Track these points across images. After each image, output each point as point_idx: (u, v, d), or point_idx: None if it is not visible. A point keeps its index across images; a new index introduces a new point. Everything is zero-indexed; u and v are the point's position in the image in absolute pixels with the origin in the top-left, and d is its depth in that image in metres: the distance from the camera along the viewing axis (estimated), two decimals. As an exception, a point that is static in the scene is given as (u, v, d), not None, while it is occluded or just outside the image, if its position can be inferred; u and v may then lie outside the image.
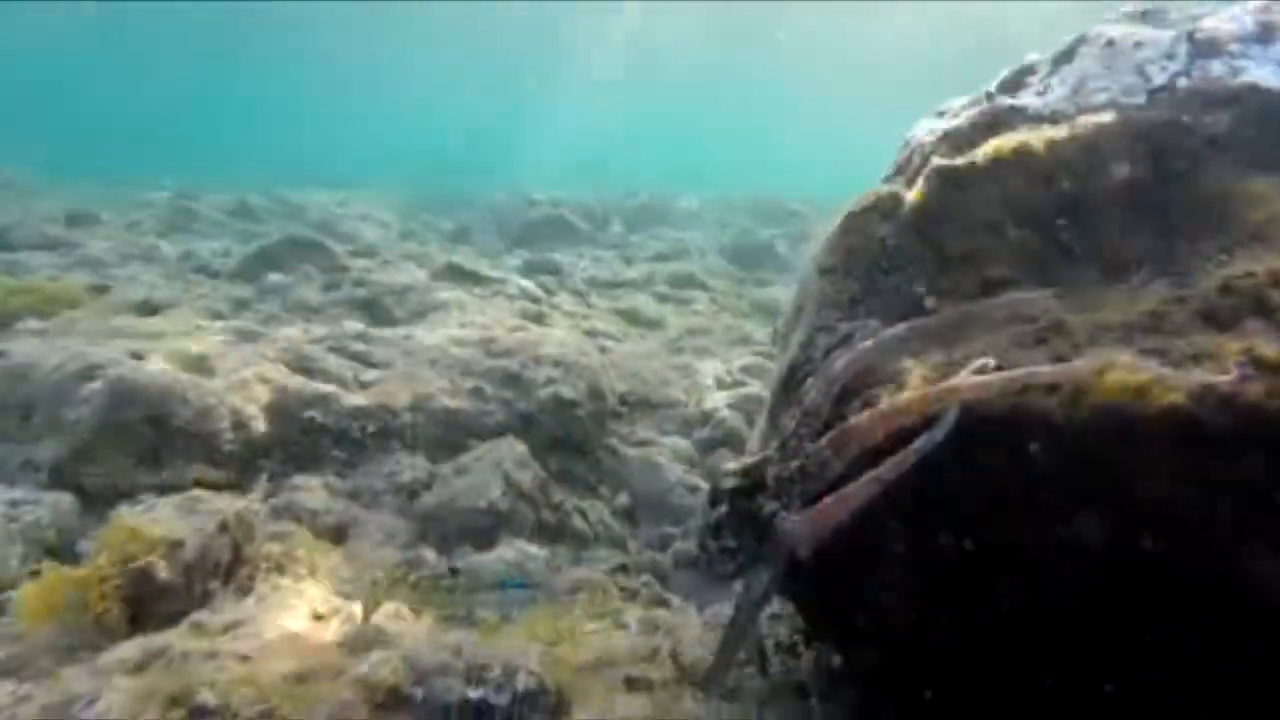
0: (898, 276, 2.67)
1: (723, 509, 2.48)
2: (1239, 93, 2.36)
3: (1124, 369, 1.89)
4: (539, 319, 8.40)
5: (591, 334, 8.71)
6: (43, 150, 22.19)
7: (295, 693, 2.62)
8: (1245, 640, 1.75)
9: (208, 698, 2.53)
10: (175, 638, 2.96)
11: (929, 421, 2.01)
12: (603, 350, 7.63)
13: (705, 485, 6.05)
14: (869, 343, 2.33)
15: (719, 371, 8.03)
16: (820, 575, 2.38)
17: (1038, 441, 1.96)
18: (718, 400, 7.21)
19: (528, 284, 10.33)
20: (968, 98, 3.14)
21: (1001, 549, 2.05)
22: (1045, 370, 2.02)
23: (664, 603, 4.69)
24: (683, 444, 6.59)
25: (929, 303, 2.52)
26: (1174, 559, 1.84)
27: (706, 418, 6.90)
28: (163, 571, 3.23)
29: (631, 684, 3.10)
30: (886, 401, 2.17)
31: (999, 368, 2.06)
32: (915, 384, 2.21)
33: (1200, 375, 1.80)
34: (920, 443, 1.97)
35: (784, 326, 3.29)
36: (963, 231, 2.57)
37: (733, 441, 6.74)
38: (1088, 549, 1.95)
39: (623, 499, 5.68)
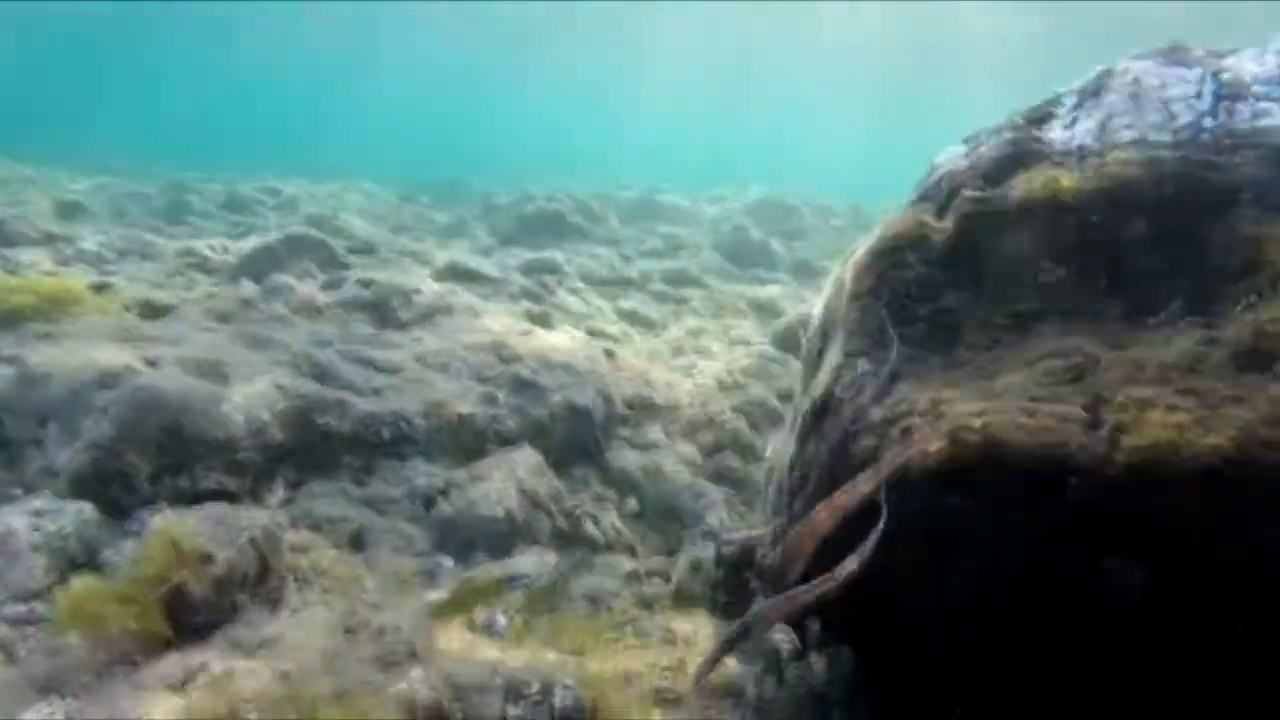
0: (927, 306, 2.74)
1: (721, 573, 3.09)
2: (1262, 136, 2.44)
3: (1163, 410, 1.97)
4: (542, 319, 8.44)
5: (594, 334, 8.76)
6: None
7: (336, 712, 2.68)
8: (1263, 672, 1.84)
9: (252, 717, 2.58)
10: (213, 654, 3.00)
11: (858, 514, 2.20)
12: (608, 354, 7.68)
13: (709, 489, 6.13)
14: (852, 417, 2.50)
15: (720, 374, 8.10)
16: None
17: (1076, 478, 2.04)
18: (721, 404, 7.28)
19: (529, 283, 10.35)
20: (994, 126, 3.20)
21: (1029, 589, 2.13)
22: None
23: (678, 610, 4.78)
24: (687, 449, 6.67)
25: (961, 336, 2.59)
26: (1209, 601, 1.93)
27: (710, 420, 6.98)
28: (196, 586, 3.26)
29: (660, 696, 3.18)
30: (818, 514, 2.31)
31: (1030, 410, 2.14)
32: (953, 416, 2.28)
33: (1240, 417, 1.88)
34: (852, 561, 2.12)
35: (812, 342, 3.36)
36: (994, 266, 2.64)
37: (735, 444, 6.82)
38: (1124, 587, 2.03)
39: (631, 504, 5.75)
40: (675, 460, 6.34)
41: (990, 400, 2.26)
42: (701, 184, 24.29)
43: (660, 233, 18.77)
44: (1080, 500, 2.03)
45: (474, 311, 7.62)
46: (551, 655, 3.27)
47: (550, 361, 6.19)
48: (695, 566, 5.31)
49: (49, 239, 9.84)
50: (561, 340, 6.79)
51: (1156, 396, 2.04)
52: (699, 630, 4.44)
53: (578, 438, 5.89)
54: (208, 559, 3.39)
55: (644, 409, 6.98)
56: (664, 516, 5.86)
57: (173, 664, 2.93)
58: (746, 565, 2.94)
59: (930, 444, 2.25)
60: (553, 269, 11.69)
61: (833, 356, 2.94)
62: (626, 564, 5.20)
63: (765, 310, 11.83)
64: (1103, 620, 2.08)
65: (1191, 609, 1.94)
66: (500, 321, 7.03)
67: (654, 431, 6.76)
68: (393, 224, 16.69)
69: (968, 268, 2.68)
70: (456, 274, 9.56)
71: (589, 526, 5.25)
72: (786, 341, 9.52)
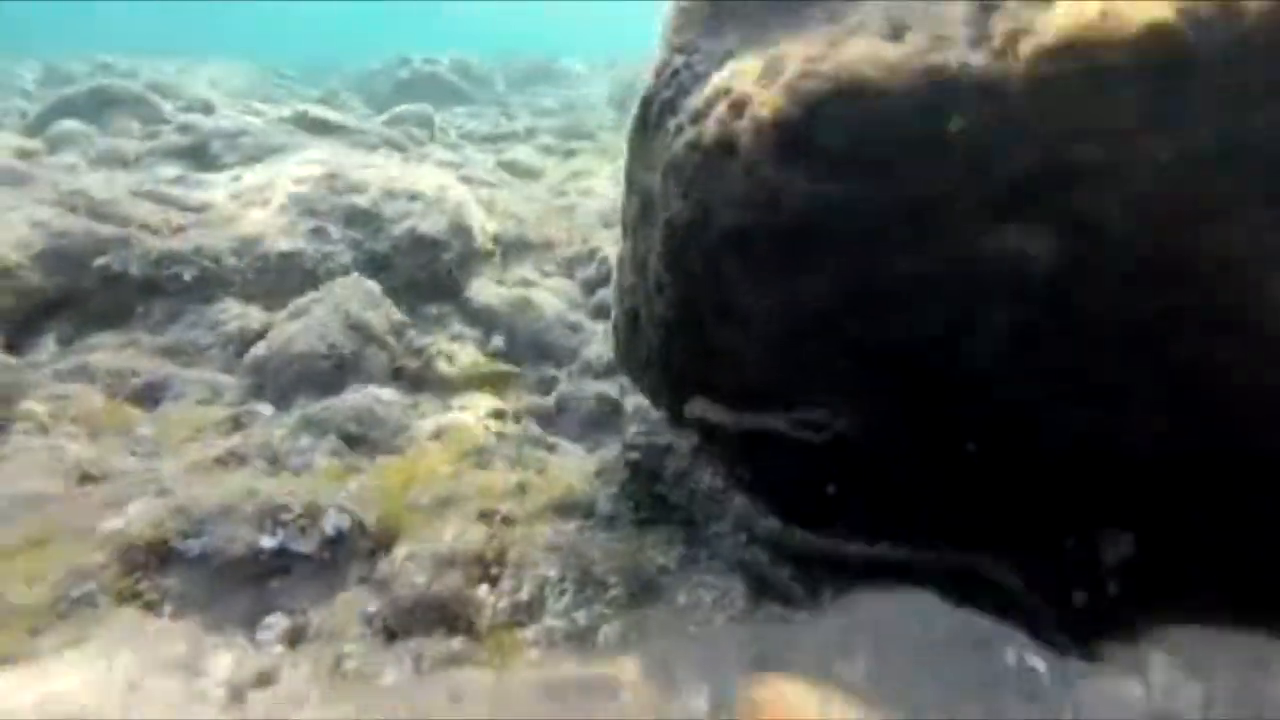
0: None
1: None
2: None
3: (1074, -8, 1.35)
4: (399, 163, 7.48)
5: (466, 181, 7.85)
6: None
7: (20, 564, 2.00)
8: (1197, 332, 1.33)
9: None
10: None
11: None
12: (479, 199, 6.83)
13: (588, 323, 5.52)
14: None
15: (604, 209, 7.37)
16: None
17: (961, 111, 1.43)
18: (603, 238, 6.59)
19: (394, 134, 9.27)
20: None
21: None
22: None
23: (547, 446, 4.22)
24: (565, 284, 6.01)
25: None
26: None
27: (591, 255, 6.30)
28: None
29: (484, 517, 2.60)
30: None
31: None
32: (801, 61, 1.63)
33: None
34: None
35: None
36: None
37: (621, 280, 6.19)
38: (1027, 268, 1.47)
39: (497, 341, 5.09)
40: (550, 295, 5.67)
41: (843, 36, 1.62)
42: (606, 50, 22.69)
43: (554, 95, 17.54)
44: (968, 142, 1.43)
45: (315, 151, 6.60)
46: (353, 484, 2.64)
47: (393, 191, 5.34)
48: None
49: None
50: (409, 170, 5.91)
51: (1066, -18, 1.42)
52: (562, 460, 3.91)
53: (429, 273, 5.14)
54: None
55: (516, 245, 6.24)
56: (536, 353, 5.24)
57: None
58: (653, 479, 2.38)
59: (762, 106, 1.62)
60: (424, 122, 10.55)
61: (655, 61, 2.25)
62: (488, 402, 4.60)
63: (661, 157, 11.02)
64: (1001, 320, 1.53)
65: (1118, 274, 1.40)
66: (341, 157, 6.07)
67: (526, 268, 6.06)
68: (250, 96, 14.97)
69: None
70: (303, 124, 8.41)
71: (442, 365, 4.59)
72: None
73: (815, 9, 1.86)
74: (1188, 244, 1.28)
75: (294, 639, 1.93)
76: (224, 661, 1.61)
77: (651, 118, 2.11)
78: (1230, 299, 1.27)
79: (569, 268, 6.27)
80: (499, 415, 4.47)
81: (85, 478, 2.59)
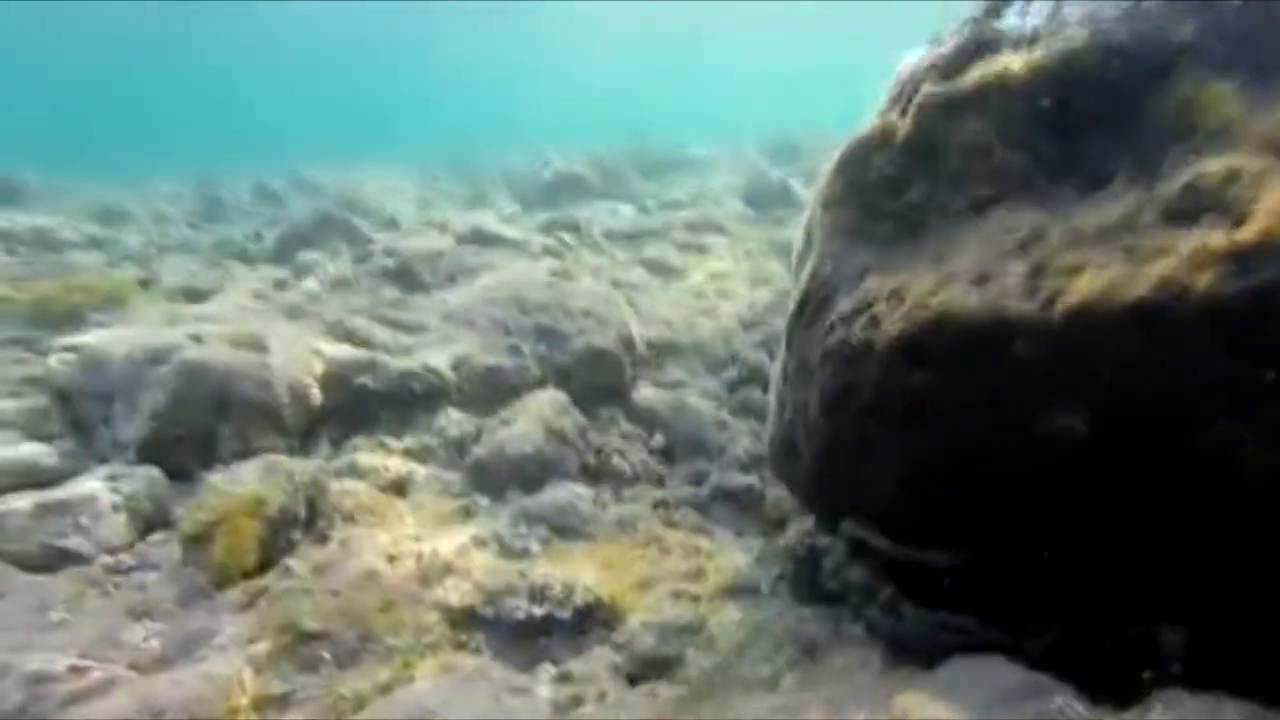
0: (894, 203, 2.88)
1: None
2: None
3: (1095, 269, 2.11)
4: (564, 275, 8.64)
5: (616, 285, 8.96)
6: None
7: (382, 618, 2.98)
8: (1194, 496, 2.00)
9: (311, 625, 2.89)
10: (271, 580, 3.33)
11: None
12: (629, 301, 7.88)
13: (733, 421, 6.34)
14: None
15: (742, 311, 8.25)
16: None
17: (1020, 338, 2.19)
18: (743, 339, 7.45)
19: (549, 241, 10.57)
20: (957, 25, 3.28)
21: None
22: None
23: (704, 531, 5.02)
24: (711, 384, 6.87)
25: (926, 226, 2.73)
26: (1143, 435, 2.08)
27: (733, 357, 7.16)
28: (254, 528, 3.60)
29: (678, 596, 3.43)
30: None
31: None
32: (911, 298, 2.44)
33: (1161, 268, 2.02)
34: None
35: (796, 258, 3.51)
36: (953, 155, 2.77)
37: (758, 378, 7.00)
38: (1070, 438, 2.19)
39: (658, 439, 5.98)
40: (700, 395, 6.55)
41: (945, 280, 2.42)
42: (715, 132, 24.13)
43: (682, 184, 18.79)
44: (1025, 358, 2.19)
45: (496, 270, 7.87)
46: (575, 567, 3.53)
47: (570, 309, 6.42)
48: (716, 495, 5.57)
49: (95, 242, 10.34)
50: (580, 289, 7.00)
51: (1089, 258, 2.17)
52: (721, 546, 4.69)
53: (602, 379, 6.13)
54: (263, 503, 3.72)
55: (667, 349, 7.19)
56: (691, 449, 6.09)
57: (238, 591, 3.27)
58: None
59: (893, 326, 2.43)
60: (573, 227, 11.88)
61: (810, 263, 3.10)
62: (654, 493, 5.45)
63: (785, 249, 11.86)
64: (1057, 473, 2.25)
65: (1132, 450, 2.10)
66: (521, 276, 7.26)
67: (678, 370, 6.98)
68: (417, 199, 17.00)
69: (929, 161, 2.81)
70: (478, 239, 9.82)
71: (617, 461, 5.51)
72: (808, 276, 9.58)
73: (929, 243, 2.67)
74: (1182, 438, 1.98)
75: (563, 679, 2.80)
76: (543, 691, 2.49)
77: (810, 307, 2.94)
78: (1210, 473, 1.95)
79: (714, 368, 7.15)
80: (662, 504, 5.33)
81: (393, 558, 3.60)
